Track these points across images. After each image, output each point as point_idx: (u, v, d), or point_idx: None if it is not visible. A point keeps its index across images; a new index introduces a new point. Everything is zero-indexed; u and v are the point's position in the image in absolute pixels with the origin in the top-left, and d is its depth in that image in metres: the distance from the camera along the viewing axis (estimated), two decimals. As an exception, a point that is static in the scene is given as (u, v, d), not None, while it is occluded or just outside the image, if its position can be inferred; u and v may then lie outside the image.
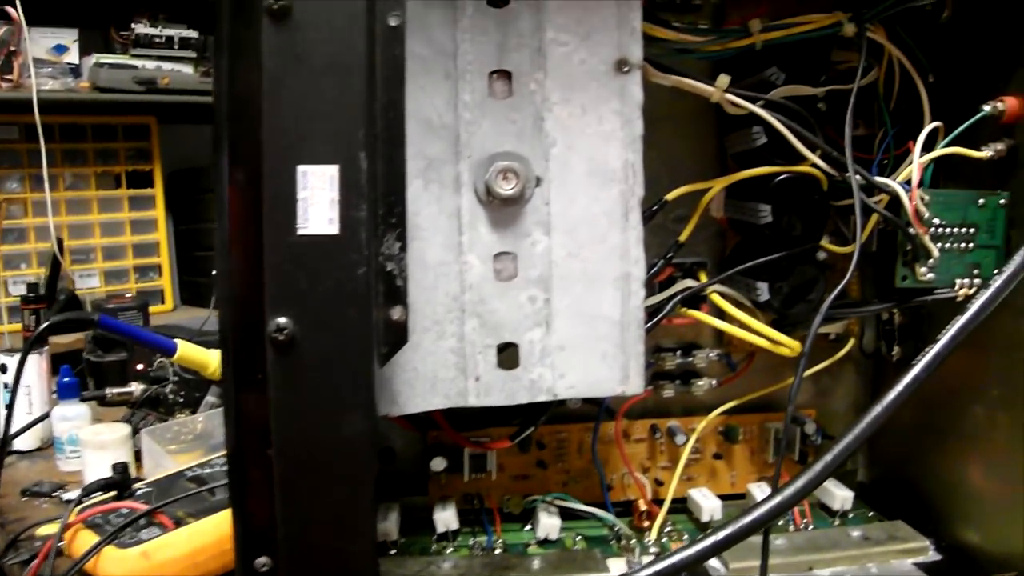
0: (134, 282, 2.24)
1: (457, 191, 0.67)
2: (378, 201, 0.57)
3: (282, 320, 0.53)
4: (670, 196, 0.77)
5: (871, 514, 0.89)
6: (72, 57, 2.09)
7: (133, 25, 2.12)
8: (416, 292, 0.67)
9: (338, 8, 0.52)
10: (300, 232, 0.53)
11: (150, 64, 2.10)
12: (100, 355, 1.52)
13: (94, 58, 2.02)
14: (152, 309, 1.89)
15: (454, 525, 0.83)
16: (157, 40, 2.12)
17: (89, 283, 2.18)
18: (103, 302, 1.69)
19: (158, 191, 2.29)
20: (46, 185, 2.00)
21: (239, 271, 0.55)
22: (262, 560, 0.58)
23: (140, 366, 1.41)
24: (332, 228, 0.53)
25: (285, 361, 0.54)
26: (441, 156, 0.66)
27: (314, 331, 0.54)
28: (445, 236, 0.67)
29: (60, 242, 2.02)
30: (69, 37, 2.08)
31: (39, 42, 2.02)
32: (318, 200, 0.53)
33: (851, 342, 0.89)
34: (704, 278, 0.84)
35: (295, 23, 0.52)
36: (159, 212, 2.29)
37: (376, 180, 0.56)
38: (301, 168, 0.52)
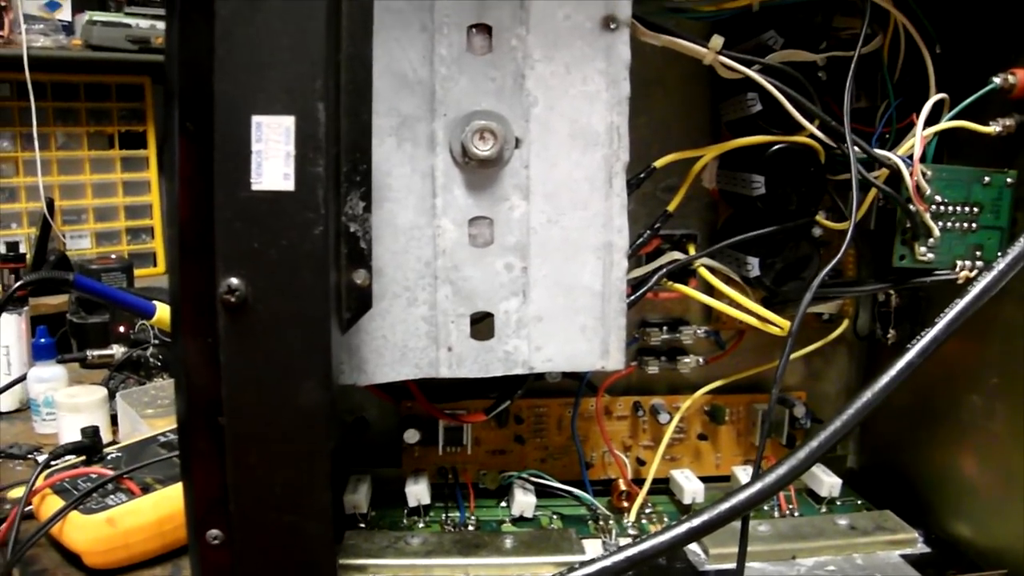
0: (126, 244, 2.21)
1: (432, 150, 0.63)
2: (341, 158, 0.54)
3: (234, 281, 0.50)
4: (659, 163, 0.74)
5: (860, 502, 0.86)
6: (65, 14, 2.06)
7: (128, -18, 2.09)
8: (386, 256, 0.64)
9: (297, -54, 0.48)
10: (254, 187, 0.50)
11: (144, 23, 2.06)
12: (83, 316, 1.50)
13: (87, 15, 1.99)
14: (143, 272, 1.87)
15: (426, 499, 0.80)
16: (152, -2, 2.09)
17: (80, 244, 2.15)
18: (88, 263, 1.66)
19: (151, 152, 2.26)
20: (35, 144, 1.97)
21: (189, 228, 0.51)
22: (214, 532, 0.56)
23: (122, 328, 1.39)
24: (287, 184, 0.50)
25: (237, 324, 0.51)
26: (415, 113, 0.63)
27: (267, 293, 0.51)
28: (418, 198, 0.64)
29: (51, 202, 2.00)
30: (62, -7, 2.05)
31: (31, -2, 2.00)
32: (273, 153, 0.49)
33: (845, 323, 0.86)
34: (693, 251, 0.80)
35: (251, -38, 0.48)
36: (152, 174, 2.27)
37: (339, 136, 0.53)
38: (256, 119, 0.49)
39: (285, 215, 0.50)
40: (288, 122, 0.49)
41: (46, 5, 2.05)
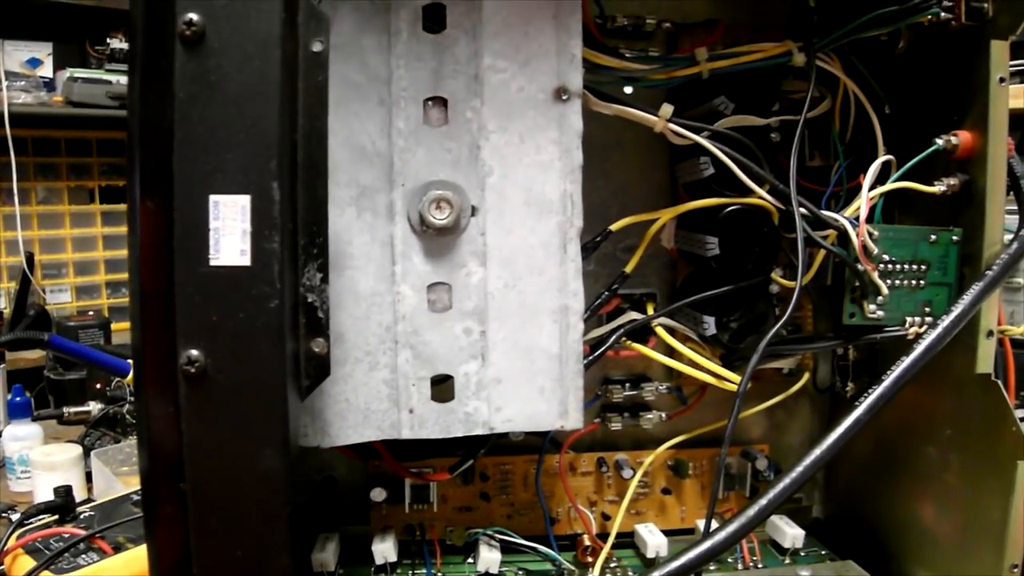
0: (106, 298, 2.22)
1: (391, 220, 0.65)
2: (299, 231, 0.56)
3: (194, 352, 0.52)
4: (615, 227, 0.76)
5: (823, 552, 0.87)
6: (46, 71, 2.09)
7: (108, 40, 2.11)
8: (348, 322, 0.65)
9: (252, 34, 0.51)
10: (212, 263, 0.51)
11: (124, 79, 2.08)
12: (60, 373, 1.51)
13: (68, 72, 2.01)
14: (123, 326, 1.87)
15: (392, 557, 0.81)
16: (133, 55, 2.11)
17: (60, 298, 2.16)
18: (66, 319, 1.68)
19: (132, 206, 2.27)
20: (15, 199, 1.99)
21: (151, 301, 0.53)
22: (177, 596, 0.57)
23: (99, 385, 1.40)
24: (244, 260, 0.51)
25: (197, 394, 0.53)
26: (374, 184, 0.65)
27: (226, 364, 0.52)
28: (378, 266, 0.65)
29: (31, 257, 2.01)
30: (43, 51, 2.08)
31: (12, 55, 2.02)
32: (230, 231, 0.51)
33: (805, 376, 0.87)
34: (652, 310, 0.82)
35: (208, 49, 0.50)
36: (133, 227, 2.27)
37: (295, 210, 0.55)
38: (213, 198, 0.51)
39: (242, 289, 0.52)
40: (244, 201, 0.51)
41: (27, 62, 2.08)
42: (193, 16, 0.50)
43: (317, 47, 0.55)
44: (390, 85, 0.64)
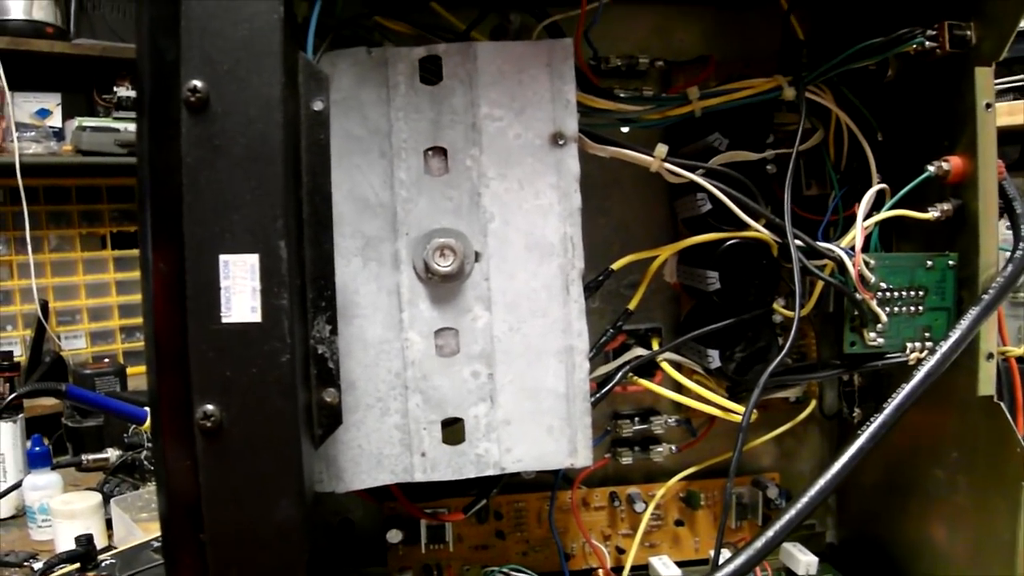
0: (120, 343, 2.23)
1: (396, 268, 0.67)
2: (307, 286, 0.57)
3: (209, 407, 0.53)
4: (616, 265, 0.77)
5: (838, 577, 0.88)
6: (55, 121, 2.11)
7: (115, 88, 2.14)
8: (358, 370, 0.67)
9: (255, 98, 0.52)
10: (224, 320, 0.53)
11: (132, 127, 2.10)
12: (78, 420, 1.53)
13: (77, 121, 2.04)
14: (138, 370, 1.89)
15: (411, 598, 0.82)
16: (140, 103, 2.14)
17: (75, 344, 2.18)
18: (81, 367, 1.69)
19: (143, 251, 2.29)
20: (29, 247, 2.01)
21: (167, 357, 0.55)
22: (198, 647, 0.58)
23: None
24: (255, 317, 0.53)
25: (214, 448, 0.54)
26: (379, 234, 0.67)
27: (241, 418, 0.54)
28: (385, 314, 0.67)
29: (45, 304, 2.03)
30: (52, 101, 2.11)
31: (22, 106, 2.05)
32: (240, 289, 0.53)
33: (812, 404, 0.88)
34: (657, 345, 0.84)
35: (213, 114, 0.52)
36: (145, 272, 2.29)
37: (303, 265, 0.57)
38: (223, 257, 0.52)
39: (254, 345, 0.53)
40: (253, 260, 0.52)
41: (36, 113, 2.11)
42: (197, 83, 0.52)
43: (318, 106, 0.57)
44: (391, 137, 0.66)
